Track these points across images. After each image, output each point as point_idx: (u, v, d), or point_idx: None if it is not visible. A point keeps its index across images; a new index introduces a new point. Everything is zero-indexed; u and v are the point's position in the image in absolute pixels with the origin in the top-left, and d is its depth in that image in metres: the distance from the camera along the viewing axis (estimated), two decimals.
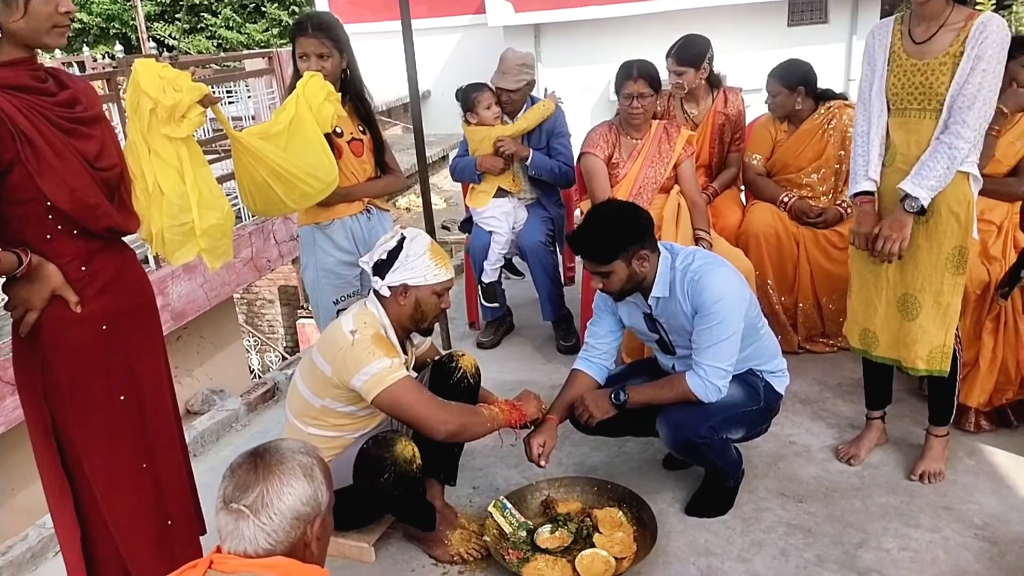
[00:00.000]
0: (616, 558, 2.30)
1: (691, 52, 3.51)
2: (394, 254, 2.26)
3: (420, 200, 3.87)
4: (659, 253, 2.42)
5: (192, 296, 5.79)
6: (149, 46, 14.74)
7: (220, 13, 17.04)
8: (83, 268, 1.83)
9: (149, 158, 1.96)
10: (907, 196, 2.29)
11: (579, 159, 3.53)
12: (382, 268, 2.27)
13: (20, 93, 1.71)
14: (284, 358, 10.50)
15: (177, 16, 17.41)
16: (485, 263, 3.80)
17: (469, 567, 2.40)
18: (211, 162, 2.40)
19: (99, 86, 5.24)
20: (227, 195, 2.24)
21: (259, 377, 8.27)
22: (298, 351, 9.85)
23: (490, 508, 2.49)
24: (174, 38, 17.31)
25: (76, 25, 17.05)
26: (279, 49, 7.40)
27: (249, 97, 7.01)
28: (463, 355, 2.55)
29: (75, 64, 12.81)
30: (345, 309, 2.47)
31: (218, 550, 1.33)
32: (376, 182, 2.91)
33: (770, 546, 2.39)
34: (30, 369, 1.86)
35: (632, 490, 2.55)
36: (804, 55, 3.58)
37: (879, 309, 2.56)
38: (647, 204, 3.32)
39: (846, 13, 9.42)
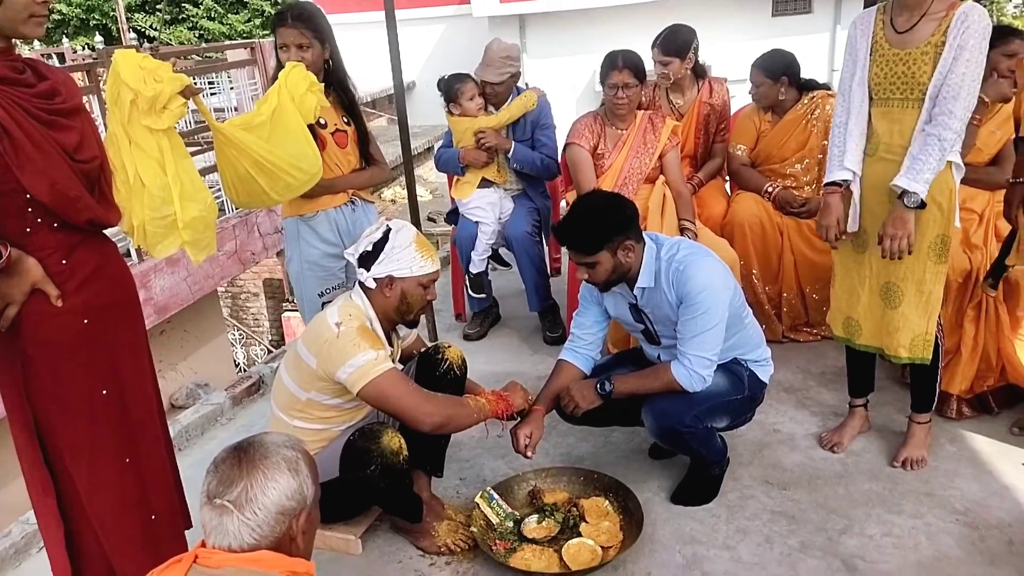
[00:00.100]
0: (602, 547, 2.32)
1: (677, 42, 3.51)
2: (380, 245, 2.26)
3: (405, 192, 3.86)
4: (644, 243, 2.42)
5: (175, 290, 5.74)
6: (129, 37, 14.57)
7: (201, 3, 16.87)
8: (64, 261, 1.81)
9: (130, 150, 1.93)
10: (904, 192, 2.29)
11: (564, 150, 3.53)
12: (367, 260, 2.27)
13: None
14: (269, 351, 10.45)
15: (158, 7, 17.22)
16: (473, 253, 3.80)
17: (456, 558, 2.41)
18: (193, 154, 2.38)
19: (79, 78, 5.17)
20: (210, 187, 2.22)
21: (244, 371, 8.23)
22: (284, 344, 9.82)
23: (477, 499, 2.49)
24: (155, 29, 17.13)
25: (55, 16, 16.84)
26: (261, 40, 7.33)
27: (232, 88, 6.94)
28: (449, 347, 2.55)
29: (54, 56, 12.64)
30: (330, 301, 2.46)
31: (203, 544, 1.32)
32: (361, 174, 2.89)
33: (754, 533, 2.41)
34: (11, 364, 1.83)
35: (618, 480, 2.56)
36: (788, 45, 3.59)
37: (862, 298, 2.59)
38: (632, 194, 3.32)
39: (830, 3, 9.45)
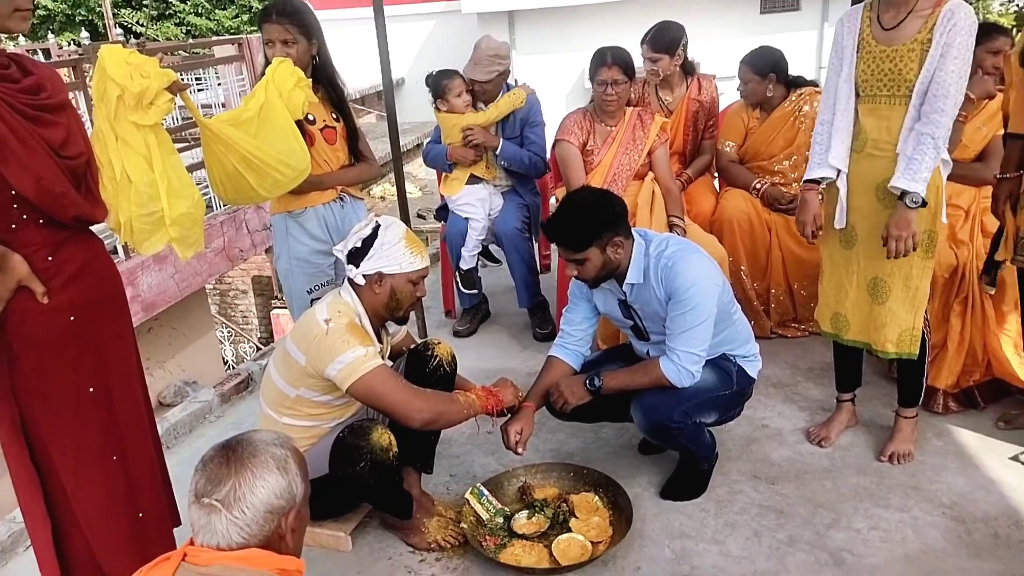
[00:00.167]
0: (592, 542, 2.33)
1: (665, 39, 3.51)
2: (369, 242, 2.25)
3: (395, 189, 3.85)
4: (633, 240, 2.43)
5: (163, 287, 5.71)
6: (116, 33, 14.44)
7: None
8: (50, 258, 1.80)
9: (116, 146, 1.93)
10: (905, 192, 2.30)
11: (554, 146, 3.53)
12: (357, 256, 2.26)
13: None
14: (258, 349, 10.42)
15: (144, 3, 17.08)
16: (463, 249, 3.80)
17: (446, 554, 2.41)
18: (180, 150, 2.37)
19: (64, 74, 5.14)
20: (197, 184, 2.21)
21: (233, 368, 8.21)
22: (273, 342, 9.79)
23: (467, 495, 2.49)
24: (141, 25, 16.99)
25: (41, 11, 16.67)
26: (249, 36, 7.29)
27: (219, 84, 6.91)
28: (439, 343, 2.54)
29: (40, 51, 12.54)
30: (319, 298, 2.45)
31: (191, 543, 1.31)
32: (349, 170, 2.89)
33: (743, 527, 2.42)
34: None
35: (608, 475, 2.57)
36: (776, 42, 3.60)
37: (850, 293, 2.60)
38: (622, 191, 3.33)
39: (818, 1, 9.49)
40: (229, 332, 11.27)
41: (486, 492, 2.51)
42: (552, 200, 4.03)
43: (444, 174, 3.90)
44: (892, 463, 2.67)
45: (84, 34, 16.12)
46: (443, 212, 4.00)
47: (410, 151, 10.11)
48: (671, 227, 3.28)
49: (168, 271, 5.73)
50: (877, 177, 2.43)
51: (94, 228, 1.95)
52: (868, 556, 2.27)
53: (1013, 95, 2.55)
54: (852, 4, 2.78)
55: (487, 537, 2.40)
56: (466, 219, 3.78)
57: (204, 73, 6.95)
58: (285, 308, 9.75)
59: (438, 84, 3.69)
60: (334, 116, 2.82)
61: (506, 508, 2.51)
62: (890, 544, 2.32)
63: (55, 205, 1.76)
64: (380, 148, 6.84)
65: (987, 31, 2.72)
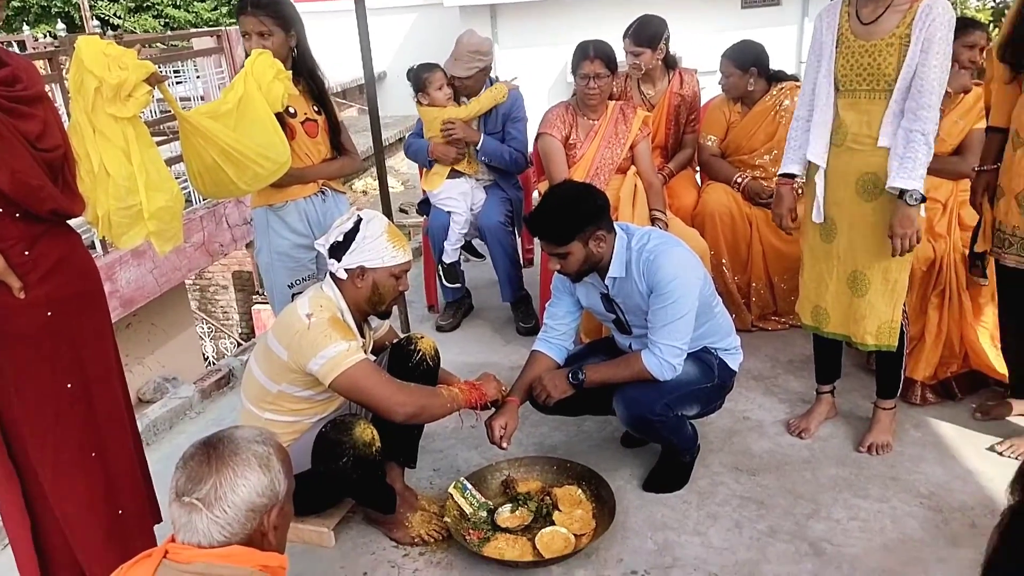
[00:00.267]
0: (576, 535, 2.34)
1: (647, 33, 3.52)
2: (351, 236, 2.24)
3: (377, 183, 3.83)
4: (615, 234, 2.43)
5: (141, 282, 5.65)
6: (92, 25, 14.26)
7: None
8: (26, 253, 1.77)
9: (94, 138, 1.90)
10: (903, 191, 2.33)
11: (536, 139, 3.53)
12: (338, 250, 2.25)
13: None
14: (239, 344, 10.35)
15: None
16: (446, 243, 3.79)
17: (430, 548, 2.41)
18: (159, 144, 2.34)
19: (40, 66, 5.06)
20: (176, 178, 2.19)
21: (213, 364, 8.15)
22: (254, 338, 9.72)
23: (450, 489, 2.49)
24: (119, 17, 16.79)
25: (15, 3, 16.42)
26: (228, 28, 7.22)
27: (198, 77, 6.84)
28: (422, 338, 2.54)
29: (15, 43, 12.32)
30: (301, 293, 2.44)
31: (173, 540, 1.30)
32: (331, 163, 2.87)
33: (724, 519, 2.44)
34: None
35: (591, 468, 2.58)
36: (757, 37, 3.62)
37: (830, 286, 2.62)
38: (604, 185, 3.33)
39: None
40: (209, 328, 11.18)
41: (469, 486, 2.51)
42: (535, 194, 4.03)
43: (425, 169, 3.89)
44: (871, 454, 2.70)
45: (60, 26, 15.88)
46: (425, 206, 3.99)
47: (392, 145, 10.07)
48: (653, 221, 3.30)
49: (147, 266, 5.67)
50: (857, 171, 2.45)
51: (71, 222, 1.92)
52: (847, 546, 2.30)
53: (994, 89, 2.59)
54: None
55: (470, 531, 2.40)
56: (448, 213, 3.77)
57: (183, 66, 6.87)
58: (266, 303, 9.68)
59: (419, 77, 3.68)
60: (315, 109, 2.79)
61: (489, 502, 2.52)
62: (869, 534, 2.34)
63: (31, 198, 1.73)
64: (362, 142, 6.81)
65: (963, 25, 2.75)
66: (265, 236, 2.85)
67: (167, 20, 16.79)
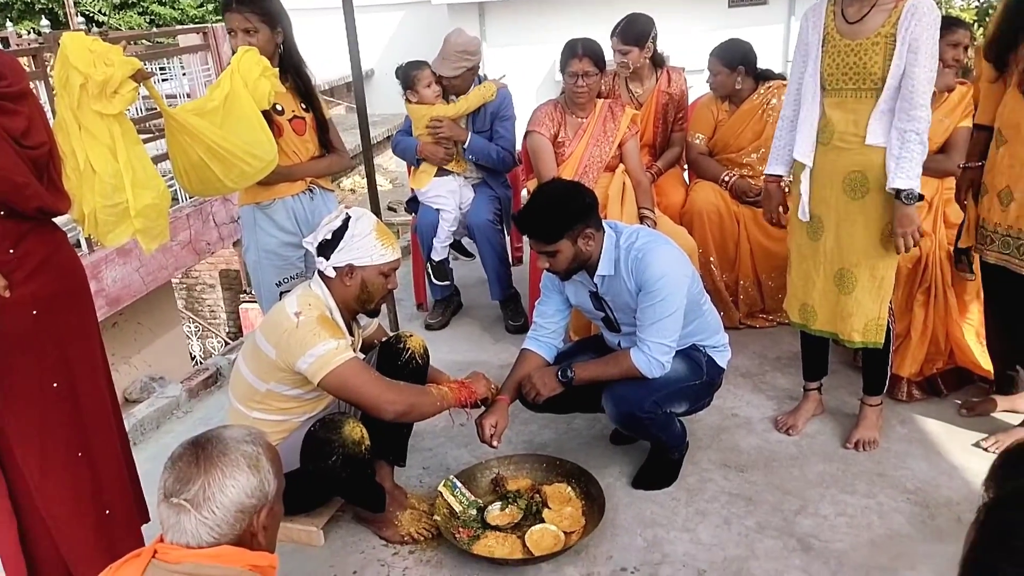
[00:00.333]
0: (565, 532, 2.34)
1: (635, 31, 3.52)
2: (339, 234, 2.23)
3: (365, 181, 3.82)
4: (604, 232, 2.44)
5: (128, 281, 5.61)
6: (77, 21, 14.12)
7: None
8: (11, 251, 1.76)
9: (80, 136, 1.89)
10: (900, 191, 2.35)
11: (525, 137, 3.53)
12: (327, 248, 2.24)
13: None
14: (226, 344, 10.29)
15: None
16: (435, 240, 3.78)
17: (420, 547, 2.41)
18: (144, 141, 2.32)
19: (25, 63, 5.01)
20: (162, 175, 2.18)
21: (200, 364, 8.11)
22: (241, 337, 9.67)
23: (440, 487, 2.49)
24: (103, 13, 16.64)
25: None
26: (214, 24, 7.18)
27: (184, 74, 6.80)
28: (411, 336, 2.53)
29: None
30: (289, 291, 2.43)
31: (161, 540, 1.29)
32: (319, 161, 2.86)
33: (713, 515, 2.45)
34: None
35: (580, 466, 2.58)
36: (744, 36, 3.63)
37: (817, 284, 2.64)
38: (593, 183, 3.34)
39: None
40: (196, 327, 11.11)
41: (459, 484, 2.51)
42: (523, 192, 4.03)
43: (413, 167, 3.88)
44: (857, 450, 2.72)
45: (44, 22, 15.72)
46: (414, 204, 3.98)
47: (380, 143, 10.04)
48: (642, 219, 3.30)
49: (133, 265, 5.63)
50: (844, 169, 2.47)
51: (57, 220, 1.91)
52: (835, 541, 2.31)
53: (981, 87, 2.61)
54: None
55: (460, 529, 2.40)
56: (437, 211, 3.77)
57: (168, 63, 6.83)
58: (254, 302, 9.63)
59: (407, 75, 3.67)
60: (303, 106, 2.78)
61: (479, 500, 2.52)
62: (856, 529, 2.36)
63: (16, 196, 1.72)
64: (350, 140, 6.77)
65: (947, 24, 2.77)
66: (253, 234, 2.83)
67: (152, 17, 16.66)
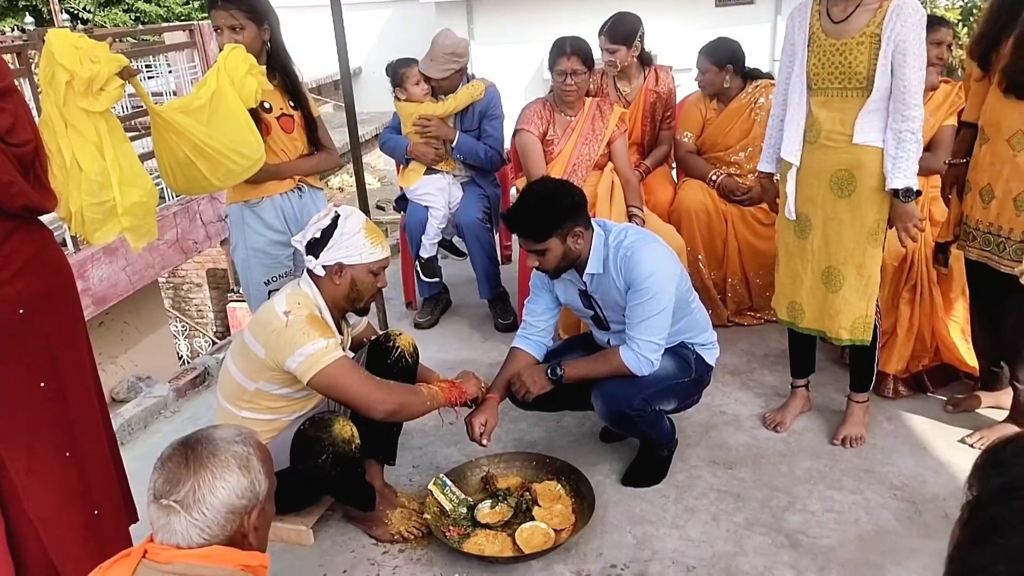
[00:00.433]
0: (555, 530, 2.35)
1: (623, 30, 3.53)
2: (328, 232, 2.22)
3: (353, 179, 3.81)
4: (593, 230, 2.44)
5: (114, 280, 5.57)
6: (62, 19, 14.00)
7: None
8: None
9: (66, 133, 1.87)
10: (898, 190, 2.39)
11: (514, 136, 3.53)
12: (316, 247, 2.23)
13: None
14: (214, 343, 10.23)
15: None
16: (424, 238, 3.78)
17: (410, 545, 2.40)
18: (131, 139, 2.30)
19: (9, 60, 4.97)
20: (149, 173, 2.16)
21: (188, 363, 8.06)
22: (229, 336, 9.62)
23: (430, 486, 2.49)
24: (88, 11, 16.48)
25: None
26: (200, 22, 7.13)
27: (170, 72, 6.75)
28: (400, 334, 2.53)
29: None
30: (277, 290, 2.42)
31: (151, 540, 1.28)
32: (307, 159, 2.85)
33: (702, 512, 2.47)
34: None
35: (570, 463, 2.59)
36: (731, 35, 3.64)
37: (805, 282, 2.65)
38: (581, 181, 3.34)
39: None
40: (183, 326, 11.05)
41: (449, 482, 2.51)
42: (512, 191, 4.03)
43: (402, 166, 3.87)
44: (845, 447, 2.74)
45: (28, 19, 15.57)
46: (402, 203, 3.97)
47: (368, 141, 10.01)
48: (630, 217, 3.31)
49: (119, 264, 5.59)
50: (831, 167, 2.49)
51: (43, 218, 1.89)
52: (823, 537, 2.33)
53: (969, 85, 2.64)
54: None
55: (450, 527, 2.40)
56: (426, 208, 3.76)
57: (154, 60, 6.79)
58: (241, 301, 9.59)
59: (397, 72, 3.67)
60: (291, 104, 2.77)
61: (469, 498, 2.52)
62: (844, 525, 2.38)
63: (2, 194, 1.70)
64: (338, 138, 6.72)
65: (929, 23, 2.79)
66: (241, 232, 2.82)
67: (138, 14, 16.53)
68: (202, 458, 1.28)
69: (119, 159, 1.94)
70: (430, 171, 3.78)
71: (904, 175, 2.37)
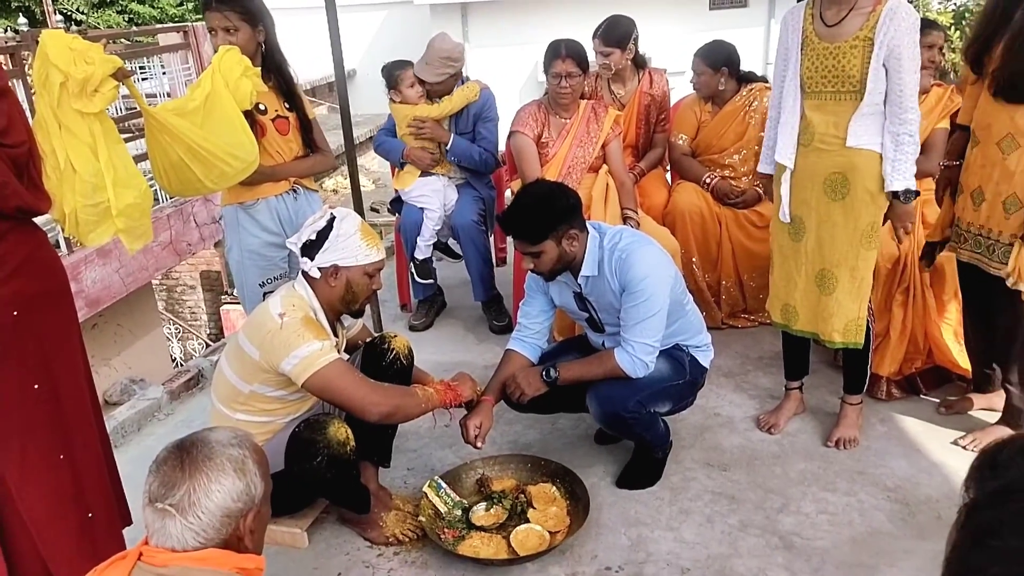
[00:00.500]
0: (550, 532, 2.35)
1: (617, 33, 3.53)
2: (324, 234, 2.22)
3: (348, 182, 3.81)
4: (588, 232, 2.44)
5: (107, 282, 5.56)
6: (56, 20, 13.96)
7: None
8: None
9: (60, 134, 1.87)
10: (898, 192, 2.43)
11: (509, 138, 3.53)
12: (311, 249, 2.23)
13: None
14: (208, 345, 10.20)
15: None
16: (419, 239, 3.78)
17: (405, 548, 2.40)
18: (125, 141, 2.30)
19: (2, 61, 4.95)
20: (144, 175, 2.15)
21: (181, 365, 8.03)
22: (223, 338, 9.59)
23: (425, 488, 2.49)
24: (82, 12, 16.44)
25: None
26: (195, 23, 7.12)
27: (164, 73, 6.74)
28: (395, 337, 2.53)
29: None
30: (272, 292, 2.41)
31: (147, 542, 1.28)
32: (302, 161, 2.84)
33: (696, 514, 2.47)
34: None
35: (565, 466, 2.59)
36: (724, 38, 3.65)
37: (799, 284, 2.66)
38: (576, 184, 3.35)
39: None
40: (177, 329, 11.01)
41: (444, 485, 2.51)
42: (507, 193, 4.03)
43: (397, 168, 3.87)
44: (838, 448, 2.75)
45: (22, 20, 15.52)
46: (397, 204, 3.97)
47: (362, 143, 10.00)
48: (625, 220, 3.32)
49: (113, 266, 5.57)
50: (825, 170, 2.50)
51: (37, 220, 1.88)
52: (817, 539, 2.34)
53: (966, 89, 2.67)
54: (797, 2, 2.85)
55: (445, 530, 2.40)
56: (422, 209, 3.76)
57: (148, 62, 6.77)
58: (235, 303, 9.56)
59: (392, 75, 3.67)
60: (286, 106, 2.77)
61: (464, 500, 2.51)
62: (837, 527, 2.38)
63: None
64: (332, 140, 6.73)
65: (920, 27, 2.81)
66: (236, 234, 2.81)
67: (131, 16, 16.49)
68: (197, 461, 1.27)
69: (113, 160, 1.93)
70: (425, 173, 3.79)
71: (904, 177, 2.40)
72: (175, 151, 2.27)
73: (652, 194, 3.70)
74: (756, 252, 3.55)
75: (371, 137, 10.58)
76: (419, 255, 3.82)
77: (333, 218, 2.25)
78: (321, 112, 11.15)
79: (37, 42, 1.91)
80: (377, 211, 9.10)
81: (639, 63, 3.70)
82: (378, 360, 2.46)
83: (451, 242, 4.08)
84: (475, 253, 3.78)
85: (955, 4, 9.33)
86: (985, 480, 0.90)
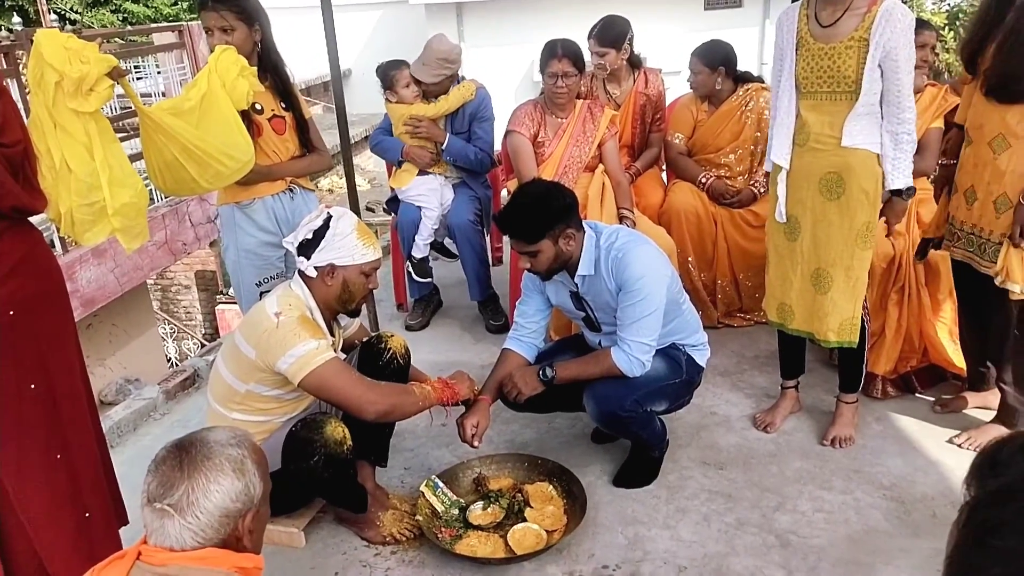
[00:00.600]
0: (547, 531, 2.35)
1: (612, 33, 3.54)
2: (320, 233, 2.22)
3: (343, 181, 3.80)
4: (584, 232, 2.45)
5: (102, 281, 5.54)
6: (50, 19, 13.89)
7: None
8: None
9: (55, 134, 1.86)
10: (897, 191, 2.48)
11: (505, 137, 3.54)
12: (308, 248, 2.23)
13: None
14: (203, 345, 10.18)
15: None
16: (417, 238, 3.78)
17: (402, 547, 2.40)
18: (120, 140, 2.29)
19: None
20: (139, 174, 2.15)
21: (176, 365, 8.01)
22: (218, 338, 9.57)
23: (422, 487, 2.49)
24: (76, 11, 16.36)
25: None
26: (190, 23, 7.11)
27: (159, 73, 6.72)
28: (392, 336, 2.53)
29: None
30: (269, 291, 2.41)
31: (145, 542, 1.28)
32: (299, 161, 2.84)
33: (693, 512, 2.48)
34: None
35: (562, 465, 2.59)
36: (719, 38, 3.66)
37: (794, 284, 2.67)
38: (572, 183, 3.35)
39: None
40: (172, 328, 10.98)
41: (441, 484, 2.51)
42: (504, 192, 4.03)
43: (394, 167, 3.87)
44: (834, 447, 2.76)
45: (15, 19, 15.45)
46: (393, 204, 3.97)
47: (358, 143, 9.98)
48: (621, 219, 3.32)
49: (108, 265, 5.56)
50: (820, 170, 2.50)
51: (33, 220, 1.88)
52: (813, 537, 2.34)
53: (963, 88, 2.68)
54: (791, 2, 2.85)
55: (443, 529, 2.40)
56: (419, 208, 3.76)
57: (143, 61, 6.76)
58: (231, 303, 9.55)
59: (387, 75, 3.67)
60: (282, 105, 2.76)
61: (461, 500, 2.52)
62: (833, 525, 2.39)
63: None
64: (328, 140, 6.73)
65: (918, 26, 2.82)
66: (232, 234, 2.81)
67: (126, 15, 16.43)
68: (196, 461, 1.27)
69: (109, 160, 1.93)
70: (422, 172, 3.79)
71: (904, 175, 2.45)
72: (170, 151, 2.26)
73: (648, 193, 3.71)
74: (752, 251, 3.55)
75: (367, 136, 10.55)
76: (417, 254, 3.81)
77: (329, 217, 2.25)
78: (316, 112, 11.10)
79: (32, 41, 1.90)
80: (373, 211, 9.08)
81: (634, 63, 3.70)
82: (375, 360, 2.46)
83: (447, 241, 4.08)
84: (471, 252, 3.78)
85: (949, 4, 9.36)
86: (985, 479, 0.90)
